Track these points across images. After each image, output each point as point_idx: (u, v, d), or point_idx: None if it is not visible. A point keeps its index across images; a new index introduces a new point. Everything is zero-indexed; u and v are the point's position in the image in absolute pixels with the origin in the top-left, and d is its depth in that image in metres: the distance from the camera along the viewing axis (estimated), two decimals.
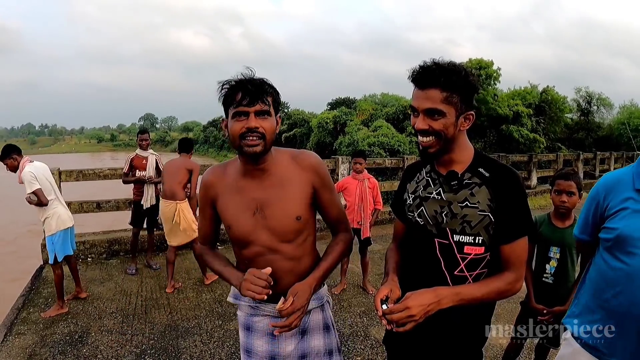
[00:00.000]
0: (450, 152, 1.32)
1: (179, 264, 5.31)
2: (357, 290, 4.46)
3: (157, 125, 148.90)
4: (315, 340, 1.54)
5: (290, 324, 1.35)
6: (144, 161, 5.02)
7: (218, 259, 1.56)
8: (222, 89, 1.35)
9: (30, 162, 3.83)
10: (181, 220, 4.36)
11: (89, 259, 5.51)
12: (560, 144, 23.79)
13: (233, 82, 1.33)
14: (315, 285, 1.43)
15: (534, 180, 10.96)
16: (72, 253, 3.99)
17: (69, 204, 5.51)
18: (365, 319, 3.77)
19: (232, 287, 1.61)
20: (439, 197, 1.35)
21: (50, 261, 3.82)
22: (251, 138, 1.31)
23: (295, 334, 1.51)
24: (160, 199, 4.63)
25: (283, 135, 29.10)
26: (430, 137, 1.26)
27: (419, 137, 1.29)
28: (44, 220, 3.81)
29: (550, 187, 2.46)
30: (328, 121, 24.18)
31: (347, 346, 3.29)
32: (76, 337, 3.43)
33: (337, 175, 7.12)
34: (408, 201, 1.46)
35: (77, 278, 4.17)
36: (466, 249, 1.31)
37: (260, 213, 1.42)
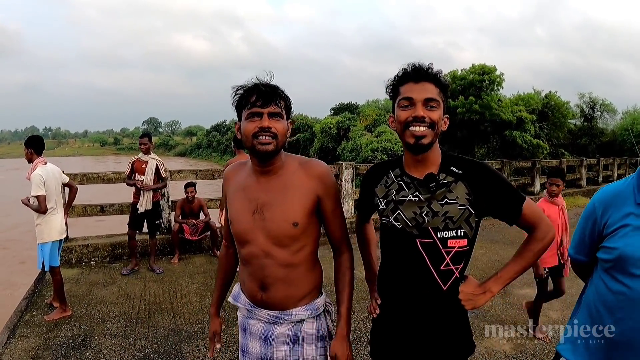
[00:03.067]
0: (430, 151, 1.37)
1: (182, 269, 5.31)
2: (360, 295, 4.44)
3: (161, 129, 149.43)
4: (308, 349, 1.54)
5: None
6: (144, 165, 5.06)
7: (221, 275, 1.75)
8: (236, 93, 1.40)
9: (44, 164, 3.82)
10: None
11: (92, 263, 5.52)
12: (563, 150, 23.77)
13: (248, 86, 1.38)
14: (347, 330, 1.55)
15: (537, 186, 10.92)
16: (58, 265, 3.91)
17: (72, 208, 5.56)
18: (368, 324, 3.75)
19: (233, 287, 1.68)
20: (417, 199, 1.37)
21: (39, 267, 3.81)
22: (264, 137, 1.35)
23: (287, 341, 1.52)
24: None
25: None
26: (427, 127, 1.31)
27: (413, 126, 1.31)
28: (36, 226, 3.78)
29: None
30: (331, 126, 24.24)
31: None
32: (79, 340, 3.43)
33: (341, 180, 7.09)
34: (381, 206, 1.47)
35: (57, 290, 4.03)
36: (450, 242, 1.35)
37: (260, 214, 1.43)
